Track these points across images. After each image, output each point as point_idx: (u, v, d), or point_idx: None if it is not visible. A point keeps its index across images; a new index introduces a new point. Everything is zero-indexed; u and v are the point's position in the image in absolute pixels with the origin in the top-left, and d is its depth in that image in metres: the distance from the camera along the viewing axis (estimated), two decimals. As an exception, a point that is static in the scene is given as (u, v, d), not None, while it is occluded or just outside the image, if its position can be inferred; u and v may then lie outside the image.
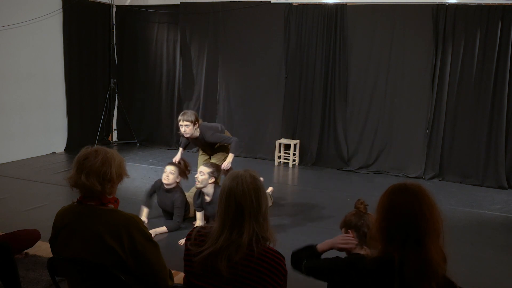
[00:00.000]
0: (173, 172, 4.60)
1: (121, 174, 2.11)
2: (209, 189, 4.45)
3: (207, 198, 4.50)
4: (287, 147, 7.67)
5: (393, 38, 6.99)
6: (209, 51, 8.08)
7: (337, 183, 6.71)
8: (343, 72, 7.30)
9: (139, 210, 4.71)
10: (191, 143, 5.13)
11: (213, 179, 4.42)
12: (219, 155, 5.03)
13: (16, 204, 5.21)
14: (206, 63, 8.13)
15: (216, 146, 5.01)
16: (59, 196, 5.52)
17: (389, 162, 7.23)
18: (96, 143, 8.06)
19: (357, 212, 2.37)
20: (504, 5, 6.36)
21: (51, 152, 7.78)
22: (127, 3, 8.62)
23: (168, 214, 4.77)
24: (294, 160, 7.65)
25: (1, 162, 6.86)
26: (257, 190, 1.87)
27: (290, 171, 7.39)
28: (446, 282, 1.61)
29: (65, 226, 2.04)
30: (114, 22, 8.64)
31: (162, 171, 4.63)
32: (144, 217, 4.72)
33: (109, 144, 8.68)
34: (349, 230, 2.35)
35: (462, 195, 6.25)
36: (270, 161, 7.76)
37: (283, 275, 1.85)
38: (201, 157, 5.21)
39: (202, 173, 4.40)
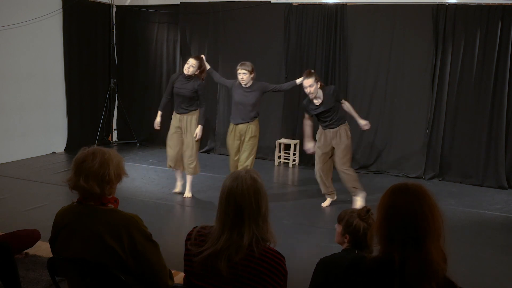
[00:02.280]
0: (194, 66, 5.36)
1: (120, 174, 2.11)
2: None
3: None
4: (287, 147, 7.67)
5: (393, 38, 6.99)
6: (209, 51, 8.08)
7: (337, 183, 6.69)
8: (343, 72, 7.30)
9: (139, 210, 4.70)
10: (232, 90, 5.47)
11: (252, 75, 5.31)
12: (249, 137, 5.37)
13: (16, 204, 5.21)
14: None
15: (255, 102, 5.38)
16: (59, 196, 5.52)
17: (389, 162, 7.23)
18: (96, 143, 8.05)
19: (362, 220, 2.33)
20: (504, 5, 6.36)
21: (51, 152, 7.78)
22: (127, 3, 8.62)
23: (184, 101, 5.43)
24: (294, 160, 7.65)
25: (1, 162, 6.86)
26: (257, 192, 1.86)
27: (290, 171, 7.39)
28: (447, 282, 1.61)
29: (65, 226, 2.04)
30: (114, 22, 8.63)
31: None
32: (159, 118, 5.80)
33: (109, 144, 8.68)
34: (346, 234, 2.35)
35: (462, 195, 6.25)
36: (270, 161, 7.76)
37: (283, 275, 1.84)
38: (231, 139, 5.46)
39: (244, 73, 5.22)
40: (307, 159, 7.69)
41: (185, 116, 5.49)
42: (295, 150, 7.62)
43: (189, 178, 5.66)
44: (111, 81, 8.63)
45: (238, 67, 5.30)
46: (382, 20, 7.02)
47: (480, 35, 6.53)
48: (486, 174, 6.70)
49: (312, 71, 5.28)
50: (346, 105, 5.36)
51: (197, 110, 5.50)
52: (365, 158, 7.34)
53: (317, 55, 7.42)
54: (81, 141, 7.59)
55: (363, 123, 5.38)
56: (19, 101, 7.18)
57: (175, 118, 5.59)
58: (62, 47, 7.76)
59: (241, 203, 1.83)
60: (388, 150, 7.23)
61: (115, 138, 9.00)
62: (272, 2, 7.60)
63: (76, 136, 8.07)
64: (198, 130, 5.46)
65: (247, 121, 5.37)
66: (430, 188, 1.71)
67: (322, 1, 7.32)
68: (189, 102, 5.45)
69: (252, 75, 5.30)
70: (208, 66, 5.65)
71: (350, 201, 5.45)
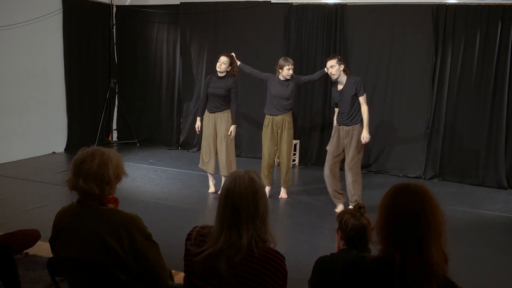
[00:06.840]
0: (225, 62, 5.48)
1: (119, 174, 2.11)
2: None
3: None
4: (287, 147, 7.65)
5: (393, 38, 6.99)
6: (209, 51, 8.08)
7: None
8: (343, 72, 7.29)
9: (139, 210, 4.70)
10: (271, 83, 5.65)
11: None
12: (286, 132, 5.67)
13: (16, 204, 5.21)
14: (206, 63, 8.13)
15: (291, 93, 5.64)
16: (59, 196, 5.52)
17: (389, 162, 7.23)
18: (96, 143, 8.05)
19: (353, 216, 2.38)
20: (504, 5, 6.36)
21: (51, 152, 7.78)
22: (127, 3, 8.62)
23: (218, 100, 5.52)
24: (294, 160, 7.64)
25: (1, 162, 6.86)
26: (255, 193, 1.85)
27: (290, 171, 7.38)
28: (447, 283, 1.61)
29: (65, 226, 2.05)
30: (114, 22, 8.63)
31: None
32: (199, 122, 5.74)
33: (109, 144, 8.67)
34: (339, 230, 2.40)
35: (462, 195, 6.25)
36: (270, 161, 7.74)
37: (283, 275, 1.84)
38: (269, 131, 5.63)
39: (291, 68, 5.52)
40: (307, 159, 7.70)
41: (219, 114, 5.59)
42: (295, 150, 7.62)
43: (223, 178, 5.53)
44: (111, 81, 8.63)
45: (284, 62, 5.50)
46: (382, 20, 7.02)
47: (480, 35, 6.52)
48: (486, 174, 6.70)
49: (339, 57, 5.41)
50: (363, 109, 5.21)
51: (229, 109, 5.62)
52: (365, 158, 7.29)
53: (317, 55, 7.41)
54: (81, 141, 7.58)
55: (365, 134, 5.18)
56: (19, 101, 7.18)
57: (208, 118, 5.65)
58: (62, 47, 7.76)
59: (238, 204, 1.82)
60: (388, 150, 7.23)
61: (115, 138, 9.00)
62: (272, 2, 7.60)
63: (76, 136, 8.07)
64: (232, 129, 5.60)
65: (283, 112, 5.58)
66: (430, 188, 1.70)
67: (322, 1, 7.32)
68: (223, 101, 5.57)
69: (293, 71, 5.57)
70: (238, 62, 5.76)
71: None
